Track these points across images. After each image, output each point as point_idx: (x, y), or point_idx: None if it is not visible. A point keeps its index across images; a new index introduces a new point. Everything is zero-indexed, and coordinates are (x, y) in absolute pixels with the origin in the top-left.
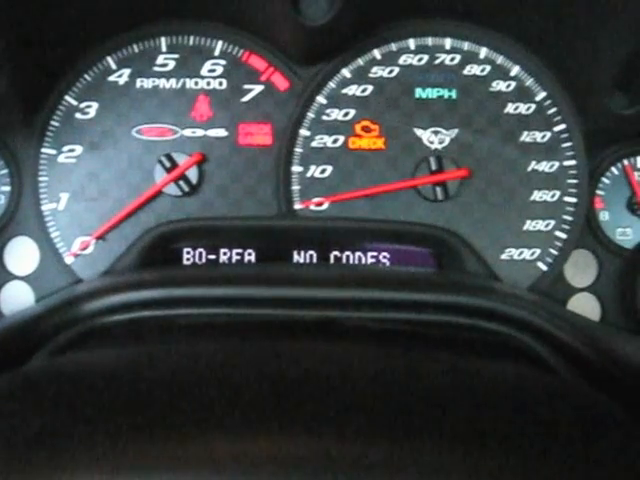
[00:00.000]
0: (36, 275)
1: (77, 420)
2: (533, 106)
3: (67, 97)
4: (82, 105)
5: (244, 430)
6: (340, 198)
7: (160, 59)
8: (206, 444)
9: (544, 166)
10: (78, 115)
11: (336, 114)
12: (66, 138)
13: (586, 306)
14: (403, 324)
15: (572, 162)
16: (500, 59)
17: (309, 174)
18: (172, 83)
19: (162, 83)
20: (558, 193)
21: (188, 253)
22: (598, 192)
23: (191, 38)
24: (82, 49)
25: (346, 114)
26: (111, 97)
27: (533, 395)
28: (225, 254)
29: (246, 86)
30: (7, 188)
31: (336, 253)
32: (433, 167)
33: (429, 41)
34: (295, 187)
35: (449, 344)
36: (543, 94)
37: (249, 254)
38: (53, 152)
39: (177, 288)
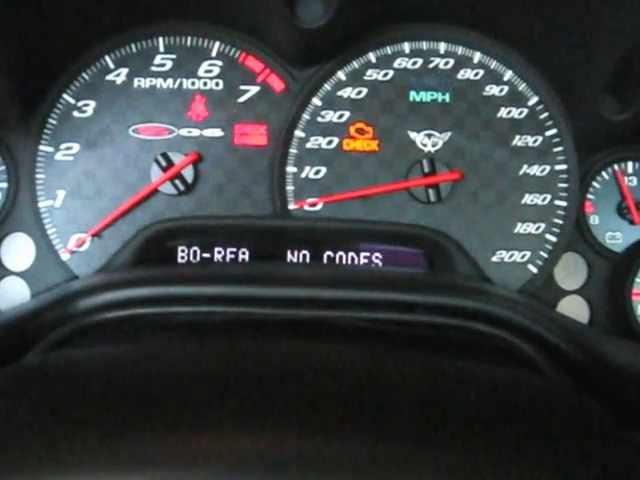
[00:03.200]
0: (32, 271)
1: (71, 417)
2: (525, 110)
3: (65, 95)
4: (80, 103)
5: (236, 428)
6: (334, 199)
7: (157, 59)
8: (199, 442)
9: (535, 170)
10: (76, 113)
11: (331, 116)
12: (63, 136)
13: (575, 309)
14: (394, 325)
15: (563, 166)
16: (493, 64)
17: (303, 175)
18: (169, 83)
19: (159, 83)
20: (549, 197)
21: (183, 251)
22: (588, 196)
23: (188, 39)
24: (80, 48)
25: (341, 116)
26: (108, 96)
27: (521, 396)
28: (219, 253)
29: (242, 87)
30: (4, 185)
31: (329, 253)
32: (426, 169)
33: (424, 45)
34: (289, 187)
35: (439, 345)
36: (535, 99)
37: (243, 253)
38: (50, 149)
39: (171, 286)
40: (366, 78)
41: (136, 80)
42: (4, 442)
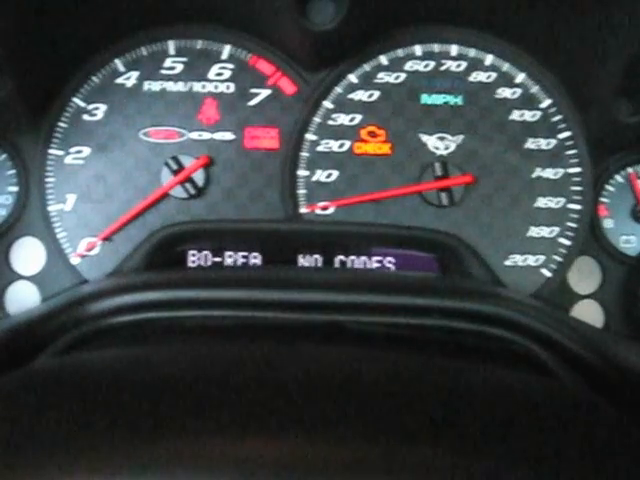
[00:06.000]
0: (42, 275)
1: (80, 420)
2: (538, 113)
3: (75, 99)
4: (90, 107)
5: (247, 432)
6: (345, 202)
7: (168, 62)
8: (209, 446)
9: (549, 173)
10: (86, 117)
11: (342, 119)
12: (73, 139)
13: (590, 313)
14: (407, 329)
15: (577, 169)
16: (506, 66)
17: (315, 178)
18: (180, 86)
19: (170, 86)
20: (562, 200)
21: (193, 255)
22: (602, 199)
23: (199, 42)
24: (90, 51)
25: (352, 119)
26: (119, 99)
27: (536, 401)
28: (230, 257)
29: (253, 90)
30: (14, 188)
31: (341, 257)
32: (438, 173)
33: (435, 47)
34: (301, 191)
35: (452, 349)
36: (548, 101)
37: (254, 257)
38: (60, 153)
39: (182, 290)
40: (377, 81)
41: (146, 83)
42: (15, 444)
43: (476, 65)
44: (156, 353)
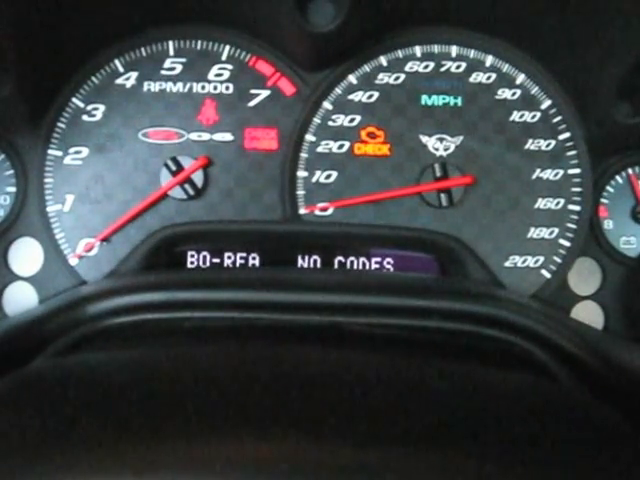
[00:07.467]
0: (40, 276)
1: (79, 421)
2: (538, 114)
3: (74, 99)
4: (89, 107)
5: (246, 433)
6: (345, 203)
7: (167, 63)
8: (208, 447)
9: (548, 174)
10: (85, 117)
11: (342, 120)
12: (72, 140)
13: (590, 314)
14: (406, 330)
15: (576, 170)
16: (506, 67)
17: (314, 179)
18: (179, 87)
19: (169, 87)
20: (562, 201)
21: (192, 256)
22: (602, 200)
23: (199, 42)
24: (90, 52)
25: (352, 120)
26: (118, 100)
27: (535, 403)
28: (229, 258)
29: (253, 91)
30: (13, 189)
31: (340, 258)
32: (438, 174)
33: (435, 48)
34: (300, 192)
35: (451, 351)
36: (548, 102)
37: (253, 258)
38: (59, 154)
39: (181, 291)
40: (377, 82)
41: (146, 84)
42: (11, 445)
43: (476, 66)
44: (155, 354)
